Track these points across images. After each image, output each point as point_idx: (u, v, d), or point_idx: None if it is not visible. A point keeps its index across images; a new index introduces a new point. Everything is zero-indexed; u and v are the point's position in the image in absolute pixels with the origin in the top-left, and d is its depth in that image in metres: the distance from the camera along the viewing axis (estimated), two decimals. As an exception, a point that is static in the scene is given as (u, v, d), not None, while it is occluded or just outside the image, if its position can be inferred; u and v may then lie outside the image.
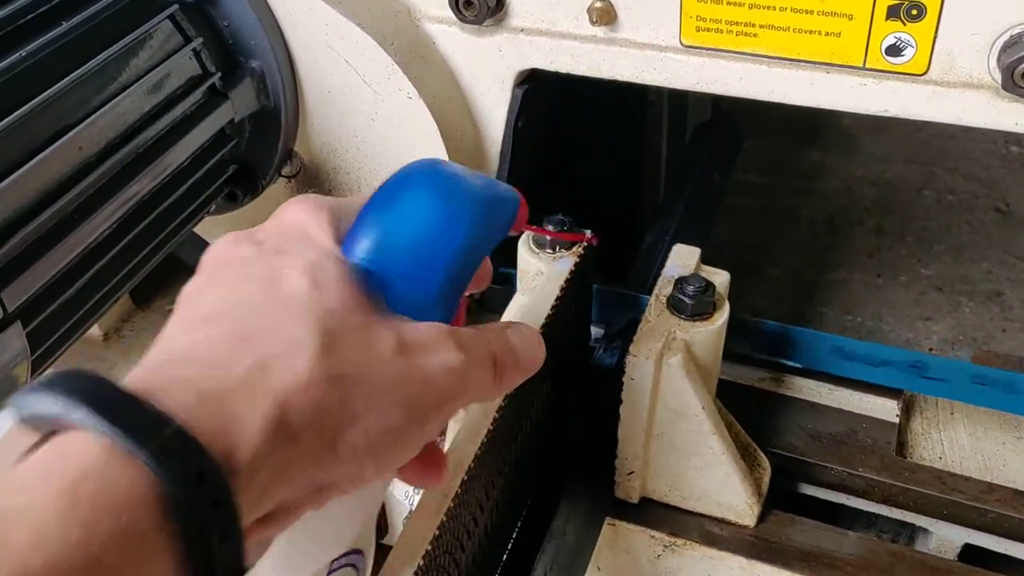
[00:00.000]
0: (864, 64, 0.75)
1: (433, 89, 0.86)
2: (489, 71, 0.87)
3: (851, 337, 1.05)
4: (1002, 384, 0.91)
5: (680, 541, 0.84)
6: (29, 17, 0.72)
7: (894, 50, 0.73)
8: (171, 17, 0.80)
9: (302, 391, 0.42)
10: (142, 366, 0.42)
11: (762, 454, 0.89)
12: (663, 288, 0.83)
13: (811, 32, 0.75)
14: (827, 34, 0.75)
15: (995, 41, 0.70)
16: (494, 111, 0.89)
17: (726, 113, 1.46)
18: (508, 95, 0.87)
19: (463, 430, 0.68)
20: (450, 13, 0.83)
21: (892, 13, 0.72)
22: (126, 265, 0.77)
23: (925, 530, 0.91)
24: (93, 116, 0.72)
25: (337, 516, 0.52)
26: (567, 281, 0.82)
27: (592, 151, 1.18)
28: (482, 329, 0.52)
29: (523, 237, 0.87)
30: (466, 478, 0.65)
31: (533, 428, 0.79)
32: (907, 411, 0.99)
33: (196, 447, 0.38)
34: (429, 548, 0.60)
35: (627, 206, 1.22)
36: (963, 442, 0.96)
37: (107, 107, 0.73)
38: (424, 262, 0.50)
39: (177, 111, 0.79)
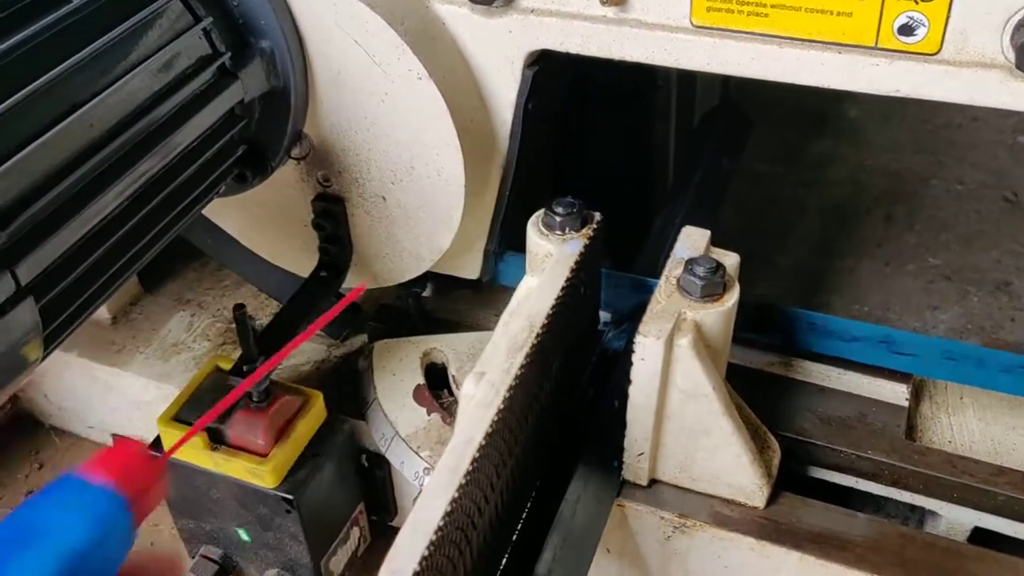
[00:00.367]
0: (876, 44, 0.74)
1: (443, 70, 0.85)
2: (499, 52, 0.86)
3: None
4: (973, 360, 0.91)
5: (690, 522, 0.84)
6: (40, -5, 0.72)
7: (906, 29, 0.73)
8: (181, -4, 0.80)
9: None
10: None
11: (772, 436, 0.89)
12: (673, 269, 0.83)
13: (822, 12, 0.75)
14: (839, 14, 0.74)
15: (1009, 19, 0.69)
16: (504, 92, 0.88)
17: (735, 99, 1.46)
18: (518, 76, 0.87)
19: (473, 409, 0.68)
20: (460, -7, 0.83)
21: (905, -9, 0.71)
22: (136, 244, 0.77)
23: (934, 514, 0.91)
24: (103, 94, 0.72)
25: None
26: (576, 263, 0.82)
27: (601, 134, 1.18)
28: None
29: (532, 218, 0.87)
30: (477, 455, 0.65)
31: (543, 409, 0.79)
32: (916, 395, 0.99)
33: None
34: (441, 524, 0.60)
35: (636, 189, 1.22)
36: (972, 426, 0.96)
37: (117, 85, 0.73)
38: None
39: (187, 90, 0.79)
